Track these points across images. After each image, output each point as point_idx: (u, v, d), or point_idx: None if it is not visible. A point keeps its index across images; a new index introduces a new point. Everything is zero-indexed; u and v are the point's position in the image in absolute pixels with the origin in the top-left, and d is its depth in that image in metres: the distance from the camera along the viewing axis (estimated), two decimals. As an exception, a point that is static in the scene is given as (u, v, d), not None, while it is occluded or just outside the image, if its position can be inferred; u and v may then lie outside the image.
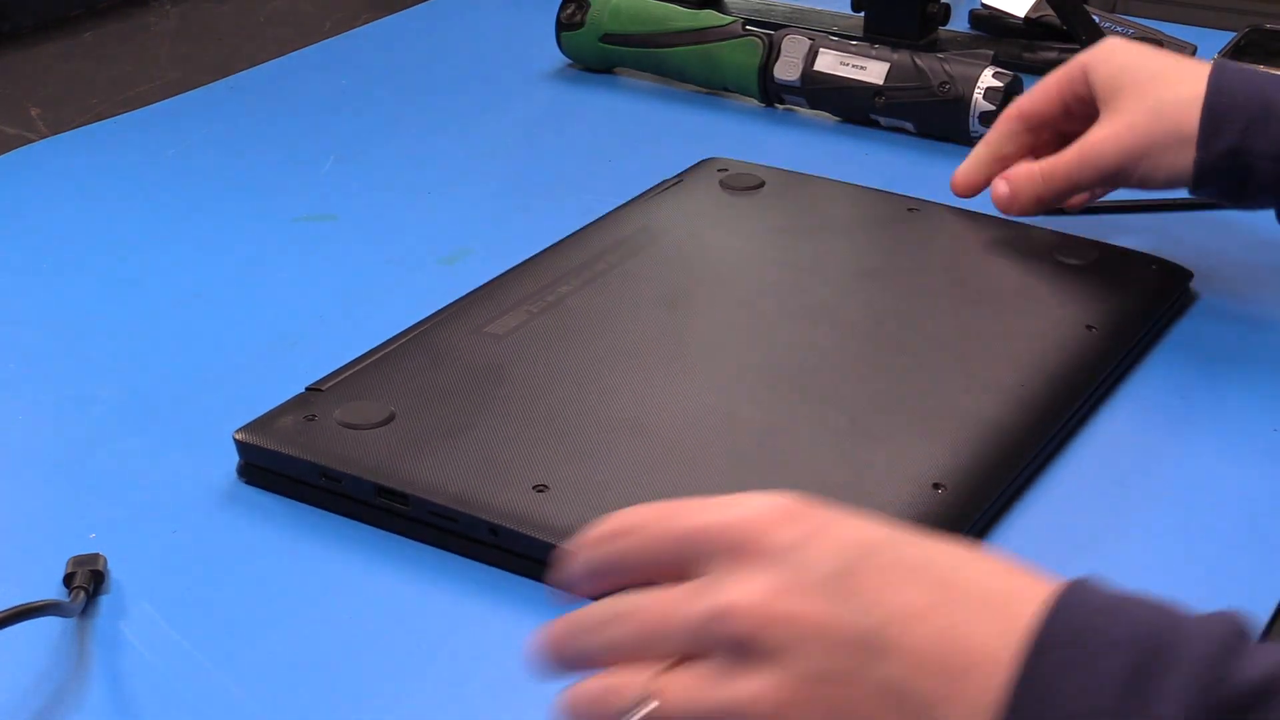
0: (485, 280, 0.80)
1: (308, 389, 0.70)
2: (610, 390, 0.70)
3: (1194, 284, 0.83)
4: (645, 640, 0.47)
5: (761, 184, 0.91)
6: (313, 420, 0.68)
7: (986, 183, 0.85)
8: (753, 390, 0.72)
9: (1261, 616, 0.61)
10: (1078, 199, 0.86)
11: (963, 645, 0.44)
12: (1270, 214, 0.83)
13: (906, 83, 1.01)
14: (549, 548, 0.61)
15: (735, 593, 0.46)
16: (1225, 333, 0.80)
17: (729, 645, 0.45)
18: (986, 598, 0.45)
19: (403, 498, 0.64)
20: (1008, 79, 0.99)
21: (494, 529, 0.62)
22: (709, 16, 1.09)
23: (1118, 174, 0.79)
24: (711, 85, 1.10)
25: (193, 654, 0.59)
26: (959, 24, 1.17)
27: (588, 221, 0.86)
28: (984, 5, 1.15)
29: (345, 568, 0.63)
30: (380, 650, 0.59)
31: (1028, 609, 0.44)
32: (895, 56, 1.02)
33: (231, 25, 1.27)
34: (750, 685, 0.45)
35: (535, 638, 0.49)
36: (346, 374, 0.71)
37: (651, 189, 0.91)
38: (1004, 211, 0.84)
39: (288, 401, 0.69)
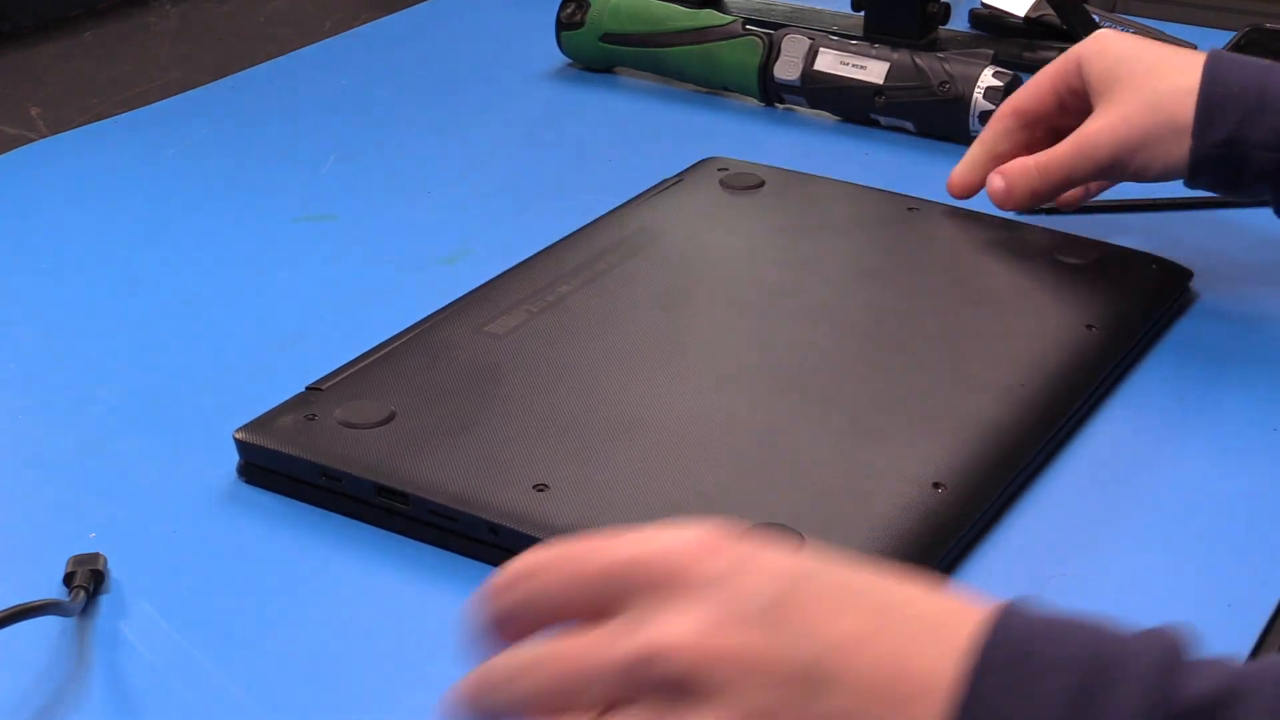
0: (485, 280, 0.80)
1: (308, 389, 0.70)
2: (610, 390, 0.70)
3: (1194, 284, 0.83)
4: (568, 688, 0.44)
5: (761, 184, 0.91)
6: (313, 420, 0.68)
7: (983, 182, 0.85)
8: (753, 390, 0.72)
9: (1261, 617, 0.61)
10: (1072, 195, 0.86)
11: (905, 671, 0.42)
12: (1270, 213, 0.83)
13: (906, 82, 1.01)
14: (549, 548, 0.61)
15: (665, 630, 0.43)
16: (1225, 333, 0.80)
17: (663, 687, 0.43)
18: (924, 622, 0.44)
19: (403, 497, 0.64)
20: (1008, 79, 0.99)
21: (494, 529, 0.62)
22: (709, 16, 1.09)
23: (1113, 166, 0.79)
24: (711, 85, 1.10)
25: (193, 654, 0.59)
26: (959, 24, 1.17)
27: (588, 221, 0.86)
28: (984, 5, 1.15)
29: (345, 568, 0.63)
30: (380, 650, 0.59)
31: (965, 632, 0.43)
32: (895, 56, 1.02)
33: (231, 25, 1.27)
34: None
35: (451, 692, 0.46)
36: (346, 374, 0.71)
37: (651, 189, 0.91)
38: (1000, 206, 0.83)
39: (288, 401, 0.69)
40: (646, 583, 0.44)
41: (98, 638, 0.59)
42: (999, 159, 0.84)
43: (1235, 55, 0.78)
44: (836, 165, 0.96)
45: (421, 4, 1.28)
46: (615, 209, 0.88)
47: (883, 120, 1.03)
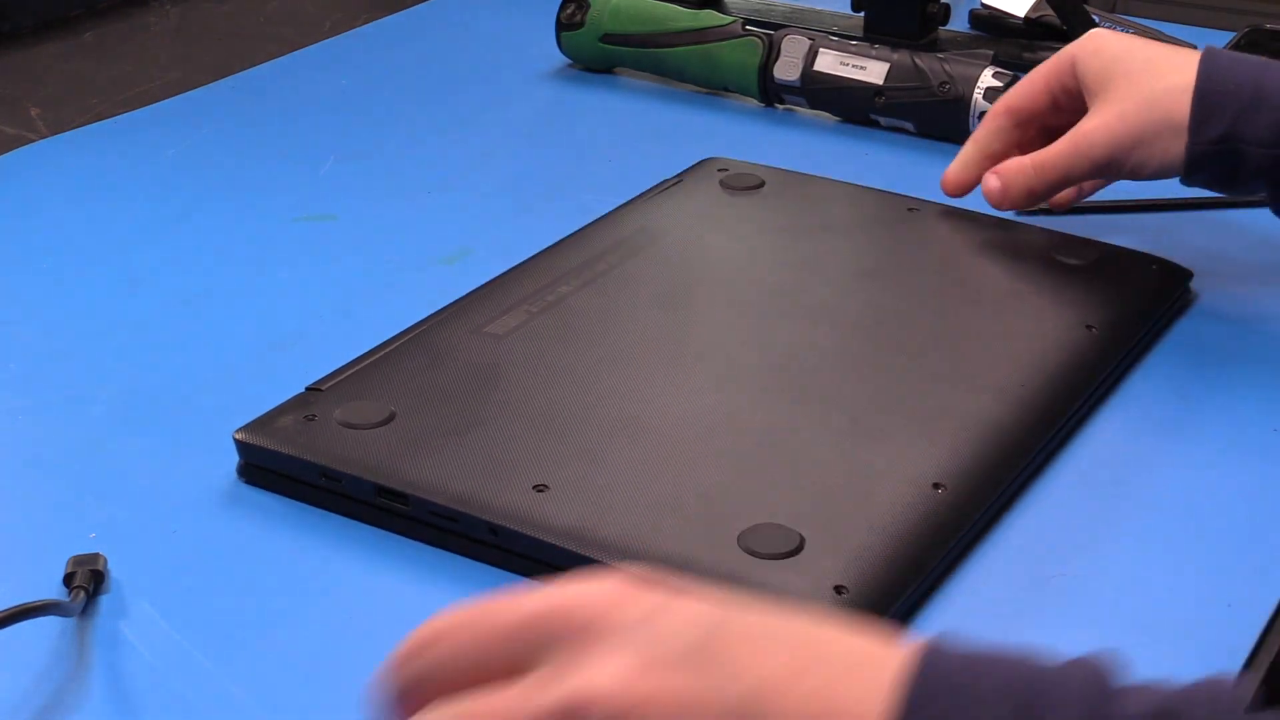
0: (485, 280, 0.80)
1: (308, 389, 0.70)
2: (610, 390, 0.70)
3: (1194, 284, 0.83)
4: None
5: (761, 184, 0.91)
6: (313, 420, 0.68)
7: (977, 180, 0.85)
8: (752, 390, 0.72)
9: (1261, 617, 0.61)
10: (1066, 194, 0.86)
11: (835, 707, 0.42)
12: (1269, 213, 0.83)
13: (906, 83, 1.01)
14: (549, 548, 0.61)
15: (590, 678, 0.42)
16: (1225, 333, 0.80)
17: None
18: (849, 660, 0.43)
19: (403, 498, 0.64)
20: (1008, 79, 0.99)
21: (494, 529, 0.62)
22: (709, 16, 1.09)
23: (1109, 164, 0.79)
24: (711, 85, 1.10)
25: (193, 654, 0.59)
26: (959, 24, 1.17)
27: (588, 221, 0.86)
28: (984, 5, 1.15)
29: (345, 568, 0.63)
30: (380, 650, 0.59)
31: (891, 669, 0.42)
32: (895, 56, 1.02)
33: (231, 25, 1.27)
34: None
35: None
36: (346, 374, 0.71)
37: (651, 189, 0.91)
38: (995, 206, 0.83)
39: (288, 401, 0.69)
40: (564, 633, 0.44)
41: (98, 638, 0.59)
42: (993, 158, 0.84)
43: (1230, 52, 0.78)
44: (836, 165, 0.96)
45: (421, 4, 1.28)
46: (615, 209, 0.88)
47: (883, 120, 1.03)
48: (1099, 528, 0.66)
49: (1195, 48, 1.03)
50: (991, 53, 1.06)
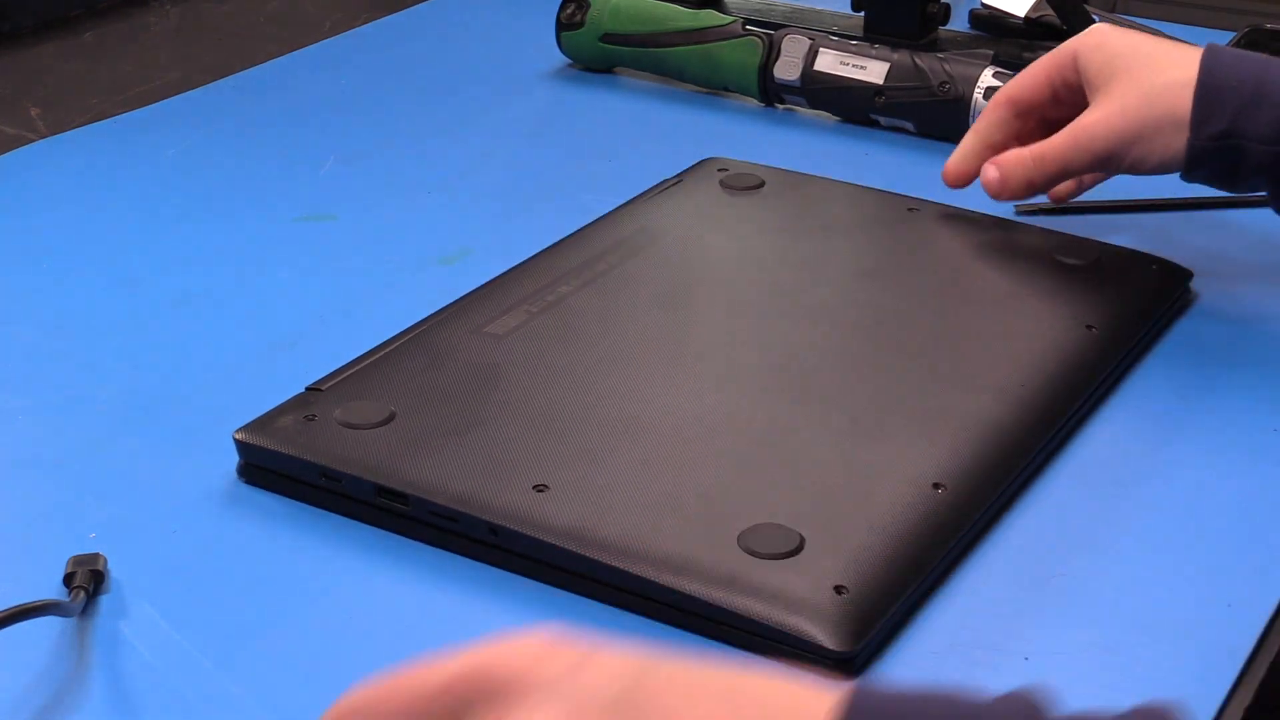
0: (485, 280, 0.80)
1: (308, 389, 0.70)
2: (610, 390, 0.70)
3: (1194, 284, 0.83)
4: None
5: (761, 184, 0.91)
6: (313, 420, 0.68)
7: (978, 171, 0.84)
8: (752, 390, 0.72)
9: (1261, 617, 0.61)
10: (1065, 188, 0.86)
11: None
12: (1270, 213, 0.83)
13: (906, 82, 1.01)
14: (549, 548, 0.61)
15: None
16: (1225, 333, 0.80)
17: None
18: (776, 708, 0.43)
19: (403, 498, 0.64)
20: (1007, 79, 0.99)
21: (494, 529, 0.62)
22: (709, 16, 1.09)
23: (1109, 158, 0.79)
24: (711, 85, 1.10)
25: (193, 654, 0.59)
26: (959, 24, 1.17)
27: (588, 221, 0.86)
28: (984, 5, 1.15)
29: (345, 568, 0.63)
30: (380, 650, 0.59)
31: (819, 717, 0.42)
32: (895, 56, 1.02)
33: (231, 25, 1.27)
34: None
35: None
36: (346, 374, 0.71)
37: (651, 189, 0.90)
38: (993, 196, 0.83)
39: (288, 401, 0.69)
40: (489, 691, 0.43)
41: (98, 638, 0.59)
42: (993, 149, 0.84)
43: (1232, 49, 0.78)
44: (836, 165, 0.96)
45: (421, 4, 1.28)
46: (615, 209, 0.88)
47: (883, 120, 1.03)
48: (1099, 528, 0.66)
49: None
50: (991, 53, 1.06)
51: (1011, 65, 1.03)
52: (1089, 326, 0.77)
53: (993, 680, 0.57)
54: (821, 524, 0.62)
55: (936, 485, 0.64)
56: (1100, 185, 0.89)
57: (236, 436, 0.68)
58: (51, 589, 0.61)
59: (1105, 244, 0.85)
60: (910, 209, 0.88)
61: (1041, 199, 0.92)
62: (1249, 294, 0.84)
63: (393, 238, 0.90)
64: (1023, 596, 0.62)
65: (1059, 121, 0.81)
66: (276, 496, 0.67)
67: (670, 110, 1.08)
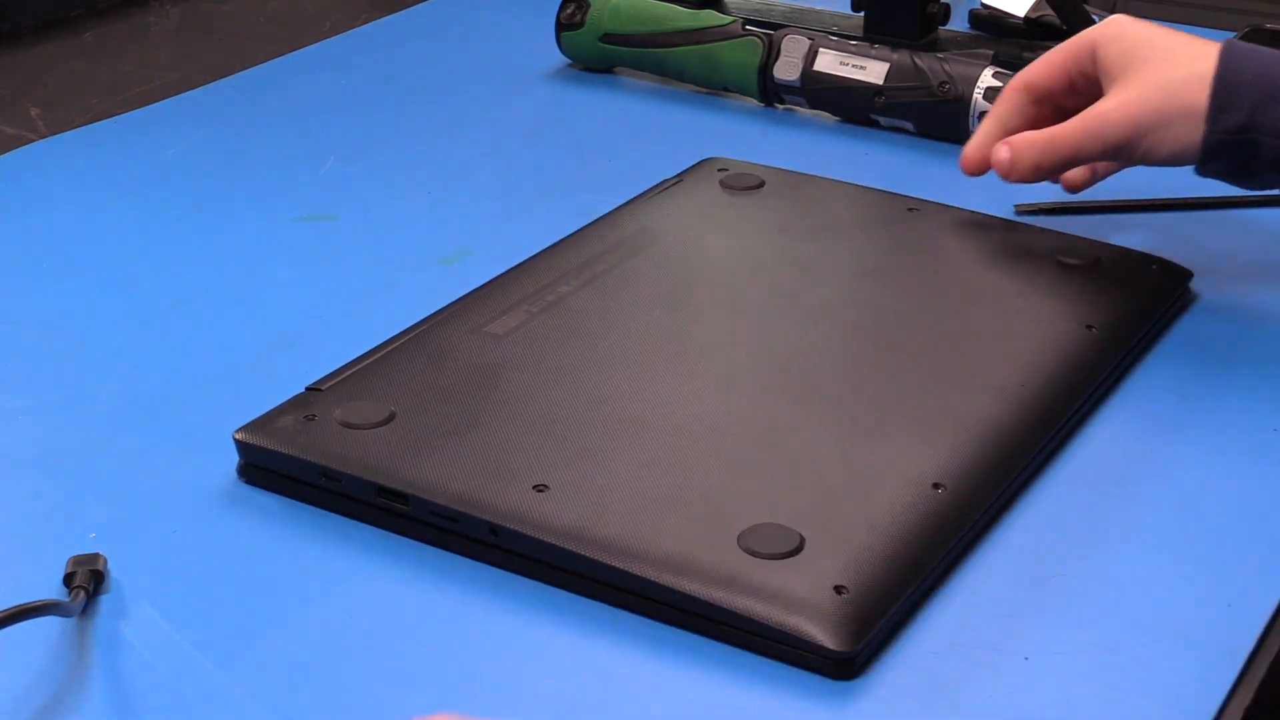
0: (485, 280, 0.80)
1: (308, 389, 0.70)
2: (610, 390, 0.70)
3: (1194, 284, 0.83)
4: None
5: (761, 184, 0.91)
6: (313, 420, 0.68)
7: None
8: (753, 390, 0.72)
9: (1261, 617, 0.61)
10: (1078, 176, 0.85)
11: None
12: (1270, 213, 0.83)
13: (906, 83, 1.01)
14: (549, 548, 0.61)
15: None
16: (1225, 333, 0.80)
17: None
18: None
19: (403, 498, 0.64)
20: (1007, 79, 0.99)
21: (494, 529, 0.62)
22: (709, 16, 1.09)
23: (1122, 147, 0.79)
24: (711, 85, 1.10)
25: (193, 654, 0.59)
26: (959, 24, 1.17)
27: (588, 221, 0.86)
28: (984, 5, 1.15)
29: (345, 568, 0.63)
30: (380, 650, 0.59)
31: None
32: (895, 56, 1.02)
33: (231, 25, 1.27)
34: None
35: None
36: (346, 374, 0.71)
37: (651, 189, 0.91)
38: (1003, 177, 0.82)
39: (288, 401, 0.69)
40: None
41: (98, 638, 0.59)
42: (1012, 135, 0.83)
43: (1250, 45, 0.78)
44: (836, 165, 0.96)
45: (421, 4, 1.28)
46: (615, 209, 0.88)
47: (883, 120, 1.03)
48: (1099, 528, 0.66)
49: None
50: (991, 53, 1.06)
51: (1011, 65, 1.03)
52: (1089, 326, 0.77)
53: (993, 680, 0.58)
54: (821, 524, 0.62)
55: (936, 485, 0.64)
56: (1100, 185, 0.89)
57: (236, 436, 0.68)
58: (51, 589, 0.61)
59: (1105, 244, 0.85)
60: (910, 209, 0.88)
61: (1042, 199, 0.92)
62: (1249, 294, 0.84)
63: (393, 238, 0.90)
64: (1023, 596, 0.62)
65: (1074, 111, 0.81)
66: (276, 496, 0.67)
67: (670, 110, 1.08)
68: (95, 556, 0.62)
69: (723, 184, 0.91)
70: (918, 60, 1.01)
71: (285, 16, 1.27)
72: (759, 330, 0.77)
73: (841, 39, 1.05)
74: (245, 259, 0.88)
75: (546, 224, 0.87)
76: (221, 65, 1.15)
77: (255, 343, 0.79)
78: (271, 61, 1.16)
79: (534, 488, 0.63)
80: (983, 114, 0.98)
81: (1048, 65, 0.83)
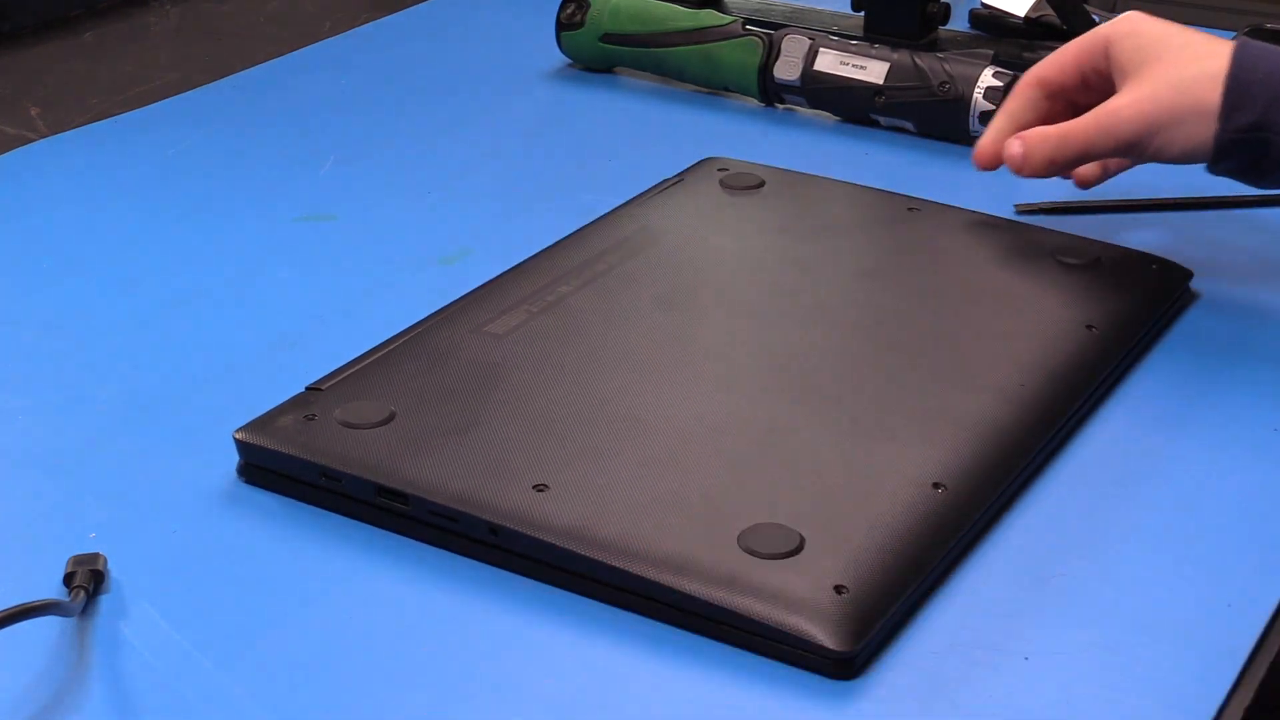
0: (485, 280, 0.80)
1: (308, 389, 0.70)
2: (610, 390, 0.70)
3: (1194, 284, 0.83)
4: None
5: (761, 184, 0.91)
6: (313, 420, 0.68)
7: None
8: (753, 390, 0.72)
9: (1261, 617, 0.61)
10: (1089, 173, 0.85)
11: None
12: (1270, 212, 0.83)
13: (906, 82, 1.01)
14: (549, 548, 0.61)
15: None
16: (1225, 332, 0.80)
17: None
18: None
19: (403, 497, 0.64)
20: (1008, 79, 0.99)
21: (494, 529, 0.62)
22: (709, 16, 1.09)
23: (1134, 144, 0.79)
24: (711, 85, 1.10)
25: (193, 654, 0.59)
26: (959, 24, 1.17)
27: (588, 221, 0.86)
28: (984, 5, 1.15)
29: (345, 568, 0.63)
30: (380, 650, 0.59)
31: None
32: (895, 56, 1.02)
33: (231, 25, 1.27)
34: None
35: None
36: (346, 374, 0.71)
37: (651, 189, 0.91)
38: (1016, 173, 0.82)
39: (288, 401, 0.69)
40: None
41: (98, 638, 0.59)
42: (1024, 129, 0.83)
43: (1263, 44, 0.78)
44: (836, 165, 0.96)
45: (421, 4, 1.28)
46: (615, 209, 0.88)
47: (883, 120, 1.03)
48: (1099, 528, 0.66)
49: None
50: (991, 53, 1.06)
51: (1011, 65, 1.03)
52: (1089, 326, 0.77)
53: (993, 680, 0.58)
54: (821, 524, 0.62)
55: (936, 485, 0.64)
56: (1101, 185, 0.89)
57: (236, 436, 0.68)
58: (51, 589, 0.61)
59: (1105, 244, 0.85)
60: (910, 209, 0.88)
61: (1042, 199, 0.92)
62: (1249, 294, 0.84)
63: (393, 238, 0.90)
64: (1023, 596, 0.62)
65: (1087, 108, 0.81)
66: (276, 496, 0.67)
67: (670, 110, 1.08)
68: (95, 556, 0.62)
69: (723, 184, 0.91)
70: (918, 60, 1.01)
71: (285, 16, 1.27)
72: (759, 330, 0.77)
73: (842, 39, 1.05)
74: (245, 259, 0.88)
75: (546, 224, 0.87)
76: (221, 65, 1.15)
77: (255, 343, 0.79)
78: (271, 61, 1.16)
79: (534, 487, 0.63)
80: (983, 114, 0.98)
81: (1060, 61, 0.83)
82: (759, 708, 0.56)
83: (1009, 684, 0.57)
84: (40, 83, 1.13)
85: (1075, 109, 0.82)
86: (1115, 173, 0.87)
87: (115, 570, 0.62)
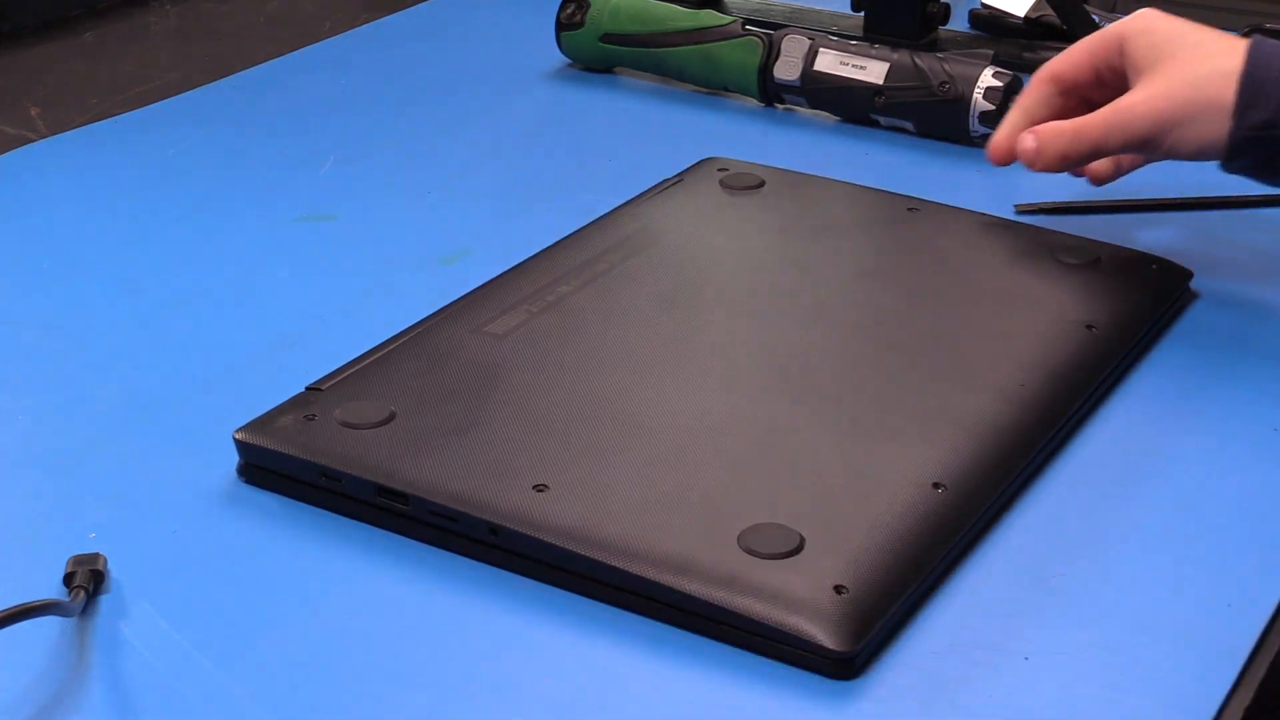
0: (485, 280, 0.80)
1: (308, 389, 0.70)
2: (610, 390, 0.70)
3: (1194, 284, 0.83)
4: None
5: (761, 184, 0.91)
6: (313, 420, 0.68)
7: None
8: (753, 390, 0.72)
9: (1261, 617, 0.61)
10: (1103, 169, 0.85)
11: None
12: (1270, 212, 0.83)
13: (906, 82, 1.01)
14: (549, 548, 0.61)
15: None
16: (1225, 332, 0.80)
17: None
18: None
19: (403, 498, 0.64)
20: (1008, 79, 0.99)
21: (494, 529, 0.62)
22: (709, 16, 1.09)
23: (1148, 140, 0.79)
24: (711, 85, 1.10)
25: (193, 654, 0.59)
26: (959, 24, 1.17)
27: (588, 221, 0.86)
28: (984, 5, 1.15)
29: (345, 568, 0.63)
30: (380, 650, 0.59)
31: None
32: (895, 56, 1.02)
33: (231, 25, 1.27)
34: None
35: None
36: (346, 374, 0.71)
37: (651, 189, 0.91)
38: (1029, 166, 0.82)
39: (288, 401, 0.69)
40: None
41: (98, 638, 0.59)
42: (1038, 125, 0.83)
43: (1278, 42, 0.78)
44: (836, 165, 0.96)
45: (421, 4, 1.28)
46: (615, 209, 0.88)
47: (883, 120, 1.03)
48: (1099, 527, 0.66)
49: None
50: (991, 53, 1.06)
51: (1011, 65, 1.03)
52: (1089, 326, 0.77)
53: (993, 680, 0.58)
54: (821, 524, 0.62)
55: (936, 485, 0.64)
56: (1101, 185, 0.89)
57: (236, 436, 0.68)
58: (51, 589, 0.61)
59: (1105, 244, 0.85)
60: (910, 209, 0.88)
61: (1042, 199, 0.92)
62: (1249, 294, 0.84)
63: (393, 238, 0.90)
64: (1023, 596, 0.62)
65: (1101, 104, 0.81)
66: (276, 496, 0.67)
67: (670, 110, 1.08)
68: (95, 556, 0.62)
69: (723, 184, 0.91)
70: (918, 60, 1.01)
71: (285, 16, 1.27)
72: (759, 330, 0.77)
73: (841, 39, 1.05)
74: (245, 259, 0.88)
75: (546, 224, 0.87)
76: (221, 65, 1.15)
77: (255, 343, 0.79)
78: (271, 61, 1.16)
79: (534, 487, 0.63)
80: (983, 114, 0.98)
81: (1075, 57, 0.83)
82: (759, 708, 0.56)
83: (1009, 684, 0.58)
84: (40, 83, 1.13)
85: (1089, 106, 0.82)
86: (1129, 170, 0.87)
87: (115, 570, 0.62)
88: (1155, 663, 0.58)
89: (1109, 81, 0.82)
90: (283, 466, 0.67)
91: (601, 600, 0.61)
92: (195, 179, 0.97)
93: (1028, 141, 0.82)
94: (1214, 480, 0.69)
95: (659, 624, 0.60)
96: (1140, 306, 0.80)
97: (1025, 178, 0.87)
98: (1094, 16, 1.10)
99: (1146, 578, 0.63)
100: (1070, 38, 1.07)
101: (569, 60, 1.14)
